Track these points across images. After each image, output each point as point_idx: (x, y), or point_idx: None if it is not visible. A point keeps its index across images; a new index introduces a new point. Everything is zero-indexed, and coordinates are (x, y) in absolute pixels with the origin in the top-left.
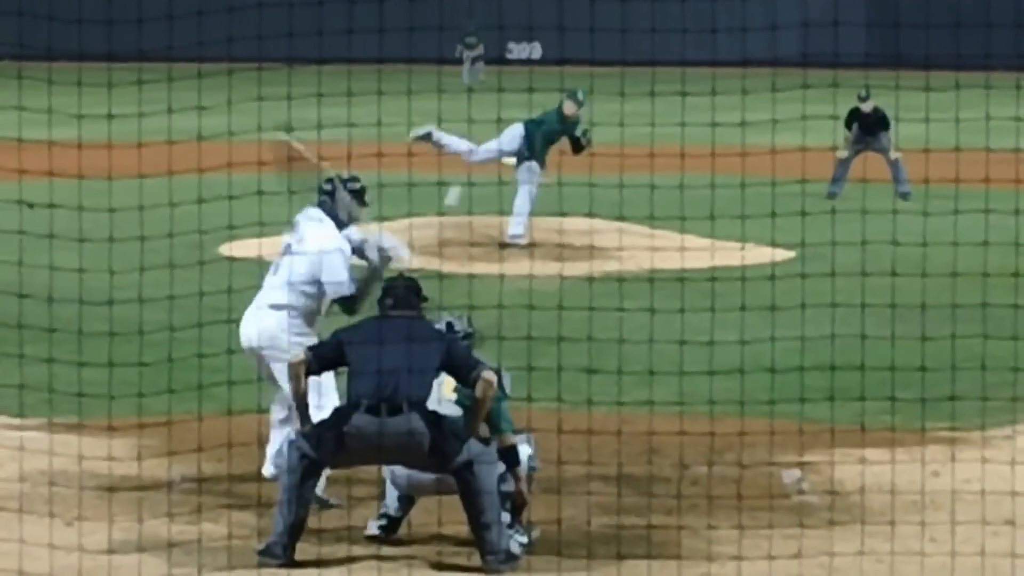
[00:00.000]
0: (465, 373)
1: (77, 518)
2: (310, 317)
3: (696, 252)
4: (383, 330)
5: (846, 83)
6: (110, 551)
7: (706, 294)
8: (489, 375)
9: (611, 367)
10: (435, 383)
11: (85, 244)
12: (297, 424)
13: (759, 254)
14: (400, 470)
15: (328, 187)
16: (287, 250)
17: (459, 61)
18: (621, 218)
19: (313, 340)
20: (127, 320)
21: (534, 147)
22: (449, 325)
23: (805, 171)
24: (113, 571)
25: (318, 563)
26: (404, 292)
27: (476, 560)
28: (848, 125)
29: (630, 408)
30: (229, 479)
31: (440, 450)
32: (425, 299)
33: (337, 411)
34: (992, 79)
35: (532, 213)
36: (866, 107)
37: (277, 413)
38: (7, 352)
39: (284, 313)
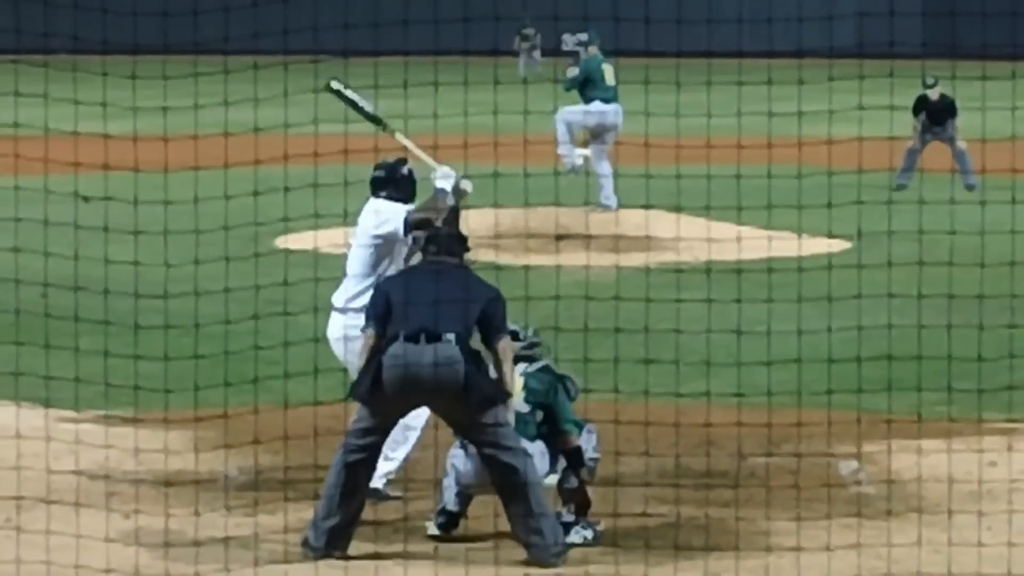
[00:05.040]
0: (492, 333)
1: (134, 511)
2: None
3: (753, 242)
4: (426, 274)
5: (903, 73)
6: (167, 544)
7: (763, 285)
8: (507, 343)
9: (668, 358)
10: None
11: (140, 237)
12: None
13: (816, 244)
14: (466, 463)
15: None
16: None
17: (516, 53)
18: (678, 209)
19: None
20: (183, 313)
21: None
22: (514, 334)
23: (862, 161)
24: (170, 564)
25: (375, 556)
26: (447, 240)
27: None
28: (916, 113)
29: (687, 399)
30: (285, 471)
31: (477, 386)
32: (468, 249)
33: (376, 348)
34: None
35: (585, 202)
36: (933, 94)
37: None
38: (63, 345)
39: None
